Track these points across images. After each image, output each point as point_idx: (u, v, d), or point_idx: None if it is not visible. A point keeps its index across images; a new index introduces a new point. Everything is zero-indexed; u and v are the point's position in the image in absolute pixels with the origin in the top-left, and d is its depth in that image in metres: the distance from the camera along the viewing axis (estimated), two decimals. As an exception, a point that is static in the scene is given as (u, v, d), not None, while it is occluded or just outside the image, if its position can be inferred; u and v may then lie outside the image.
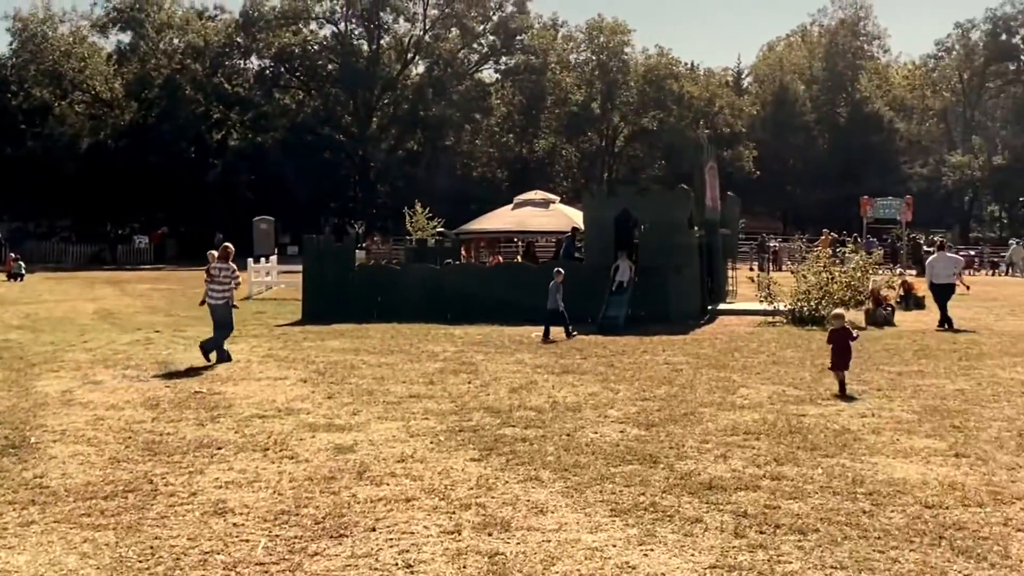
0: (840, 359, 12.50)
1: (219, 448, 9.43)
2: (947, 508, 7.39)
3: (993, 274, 45.55)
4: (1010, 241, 52.73)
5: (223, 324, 15.63)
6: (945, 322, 20.02)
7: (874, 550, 6.48)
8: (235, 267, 15.90)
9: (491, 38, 75.31)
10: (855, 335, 12.78)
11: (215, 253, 16.45)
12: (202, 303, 16.21)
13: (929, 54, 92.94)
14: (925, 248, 40.48)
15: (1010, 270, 47.11)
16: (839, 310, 15.27)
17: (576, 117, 77.49)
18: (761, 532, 6.85)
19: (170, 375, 14.01)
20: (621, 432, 10.01)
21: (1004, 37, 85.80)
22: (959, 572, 6.12)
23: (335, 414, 11.03)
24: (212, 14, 72.16)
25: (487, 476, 8.37)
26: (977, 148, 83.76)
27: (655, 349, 16.69)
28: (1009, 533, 6.81)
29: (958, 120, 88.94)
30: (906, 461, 8.79)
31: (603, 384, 13.05)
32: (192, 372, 14.24)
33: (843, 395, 12.08)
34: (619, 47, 79.82)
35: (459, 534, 6.89)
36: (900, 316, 21.64)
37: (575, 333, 18.67)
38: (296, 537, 6.87)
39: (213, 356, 15.10)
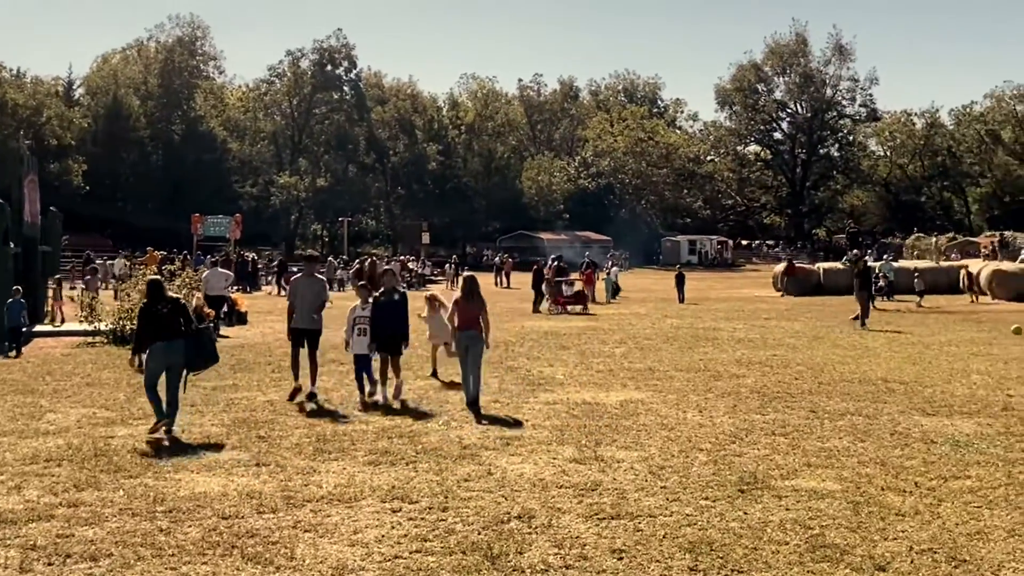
0: None
1: None
2: (243, 517, 7.65)
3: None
4: (330, 258, 56.66)
5: None
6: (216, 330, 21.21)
7: (167, 568, 6.49)
8: None
9: None
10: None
11: None
12: None
13: (262, 78, 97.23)
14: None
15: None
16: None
17: None
18: (49, 564, 6.53)
19: None
20: None
21: (329, 68, 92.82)
22: (247, 578, 6.36)
23: None
24: None
25: None
26: (303, 170, 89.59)
27: (-47, 378, 15.23)
28: (297, 535, 7.22)
29: (287, 143, 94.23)
30: (210, 475, 8.97)
31: None
32: None
33: None
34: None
35: None
36: (225, 331, 22.18)
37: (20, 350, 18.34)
38: None
39: None
